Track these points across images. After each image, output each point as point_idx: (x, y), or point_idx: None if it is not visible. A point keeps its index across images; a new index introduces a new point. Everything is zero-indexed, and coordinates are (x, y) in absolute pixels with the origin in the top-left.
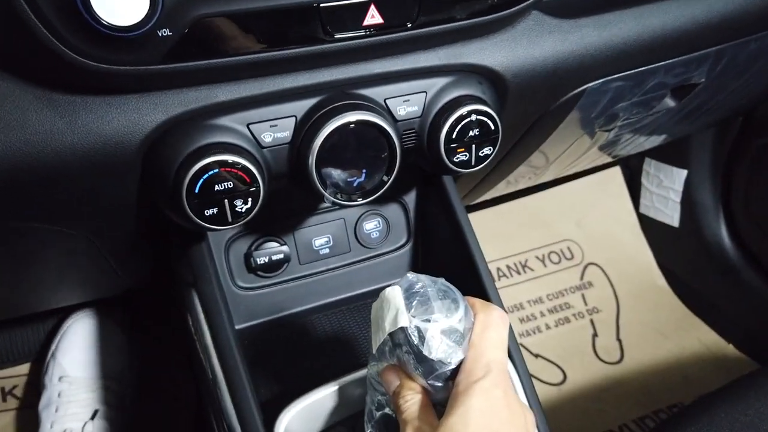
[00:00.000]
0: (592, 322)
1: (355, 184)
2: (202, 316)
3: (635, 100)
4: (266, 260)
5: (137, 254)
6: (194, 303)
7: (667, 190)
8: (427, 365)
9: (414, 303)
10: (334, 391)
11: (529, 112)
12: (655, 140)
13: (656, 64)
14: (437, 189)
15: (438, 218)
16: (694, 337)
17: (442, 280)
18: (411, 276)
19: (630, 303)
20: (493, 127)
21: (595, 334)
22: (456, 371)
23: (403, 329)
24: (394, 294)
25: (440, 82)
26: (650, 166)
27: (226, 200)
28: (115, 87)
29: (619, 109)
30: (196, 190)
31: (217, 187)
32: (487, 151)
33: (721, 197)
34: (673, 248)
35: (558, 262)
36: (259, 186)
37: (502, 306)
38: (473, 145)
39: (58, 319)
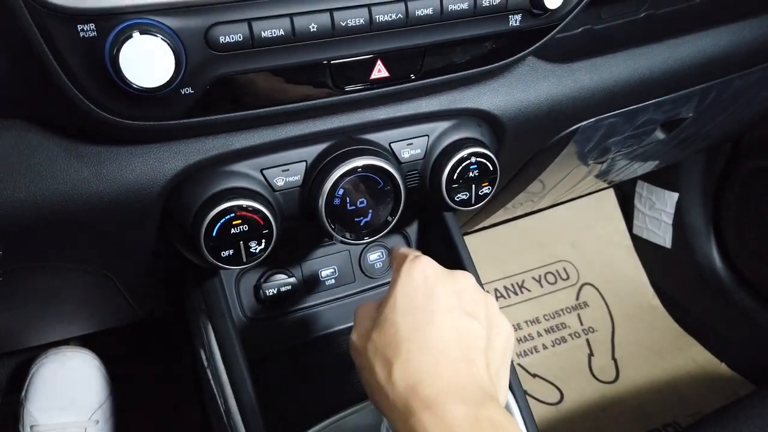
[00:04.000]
0: (587, 341)
1: (362, 224)
2: (215, 347)
3: (627, 134)
4: (275, 291)
5: (152, 288)
6: (207, 333)
7: (659, 212)
8: None
9: None
10: (346, 420)
11: (525, 149)
12: (648, 167)
13: (645, 103)
14: (438, 222)
15: (438, 249)
16: (688, 356)
17: None
18: None
19: (625, 323)
20: (491, 168)
21: (591, 354)
22: None
23: None
24: None
25: (442, 125)
26: (643, 189)
27: (241, 242)
28: (139, 138)
29: (611, 143)
30: (214, 234)
31: (233, 231)
32: (486, 190)
33: (711, 219)
34: (666, 269)
35: (554, 282)
36: (272, 228)
37: None
38: (473, 185)
39: (26, 358)
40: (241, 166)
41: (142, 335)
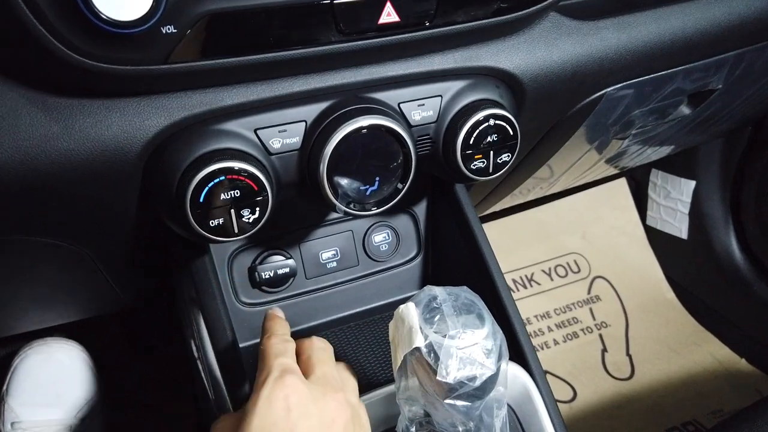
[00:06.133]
0: (601, 336)
1: (368, 193)
2: (205, 334)
3: (652, 106)
4: (271, 275)
5: (136, 270)
6: (197, 320)
7: (674, 202)
8: (446, 385)
9: (431, 319)
10: None
11: (545, 118)
12: (663, 151)
13: (675, 69)
14: (449, 198)
15: (450, 229)
16: (706, 351)
17: (465, 293)
18: (428, 290)
19: (639, 317)
20: (511, 133)
21: (604, 350)
22: (486, 389)
23: (418, 349)
24: (409, 311)
25: (456, 85)
26: (657, 178)
27: (232, 210)
28: (115, 89)
29: (635, 116)
30: (201, 200)
31: (222, 196)
32: (505, 158)
33: (730, 208)
34: (681, 261)
35: (565, 275)
36: (268, 195)
37: (519, 319)
38: (491, 152)
39: (9, 351)
40: (233, 125)
41: (132, 327)
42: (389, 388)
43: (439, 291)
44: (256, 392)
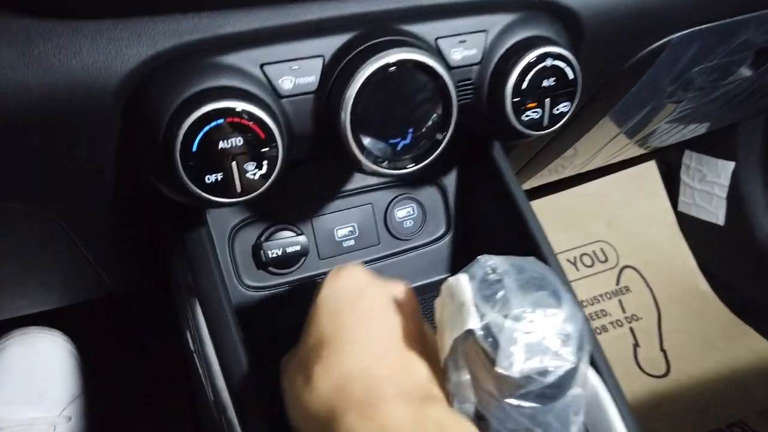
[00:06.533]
0: (632, 330)
1: (399, 148)
2: (202, 322)
3: (716, 62)
4: (279, 253)
5: (120, 246)
6: (192, 306)
7: (711, 185)
8: (508, 379)
9: (491, 296)
10: None
11: (602, 68)
12: (699, 129)
13: (748, 14)
14: (487, 166)
15: (486, 202)
16: (746, 346)
17: (533, 264)
18: (484, 260)
19: (672, 310)
20: (571, 77)
21: (636, 344)
22: (562, 387)
23: (471, 333)
24: (460, 284)
25: (504, 19)
26: (691, 160)
27: (234, 163)
28: (85, 9)
29: (696, 73)
30: (194, 148)
31: (221, 145)
32: (563, 107)
33: None
34: (717, 249)
35: (591, 265)
36: (277, 146)
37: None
38: (547, 100)
39: None
40: (234, 59)
41: (124, 324)
42: None
43: (499, 261)
44: (318, 286)
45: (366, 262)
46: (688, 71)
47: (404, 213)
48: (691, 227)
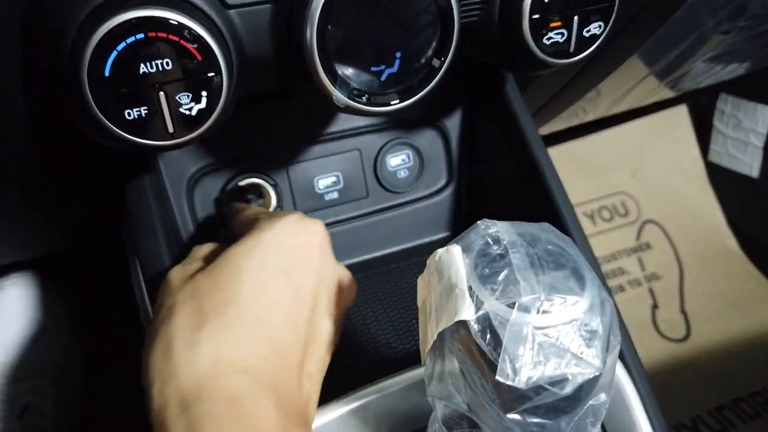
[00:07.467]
0: (651, 290)
1: (383, 78)
2: (146, 296)
3: None
4: None
5: (45, 192)
6: (136, 273)
7: (747, 133)
8: (513, 391)
9: (491, 276)
10: (367, 403)
11: None
12: (738, 69)
13: None
14: (497, 105)
15: (496, 148)
16: None
17: (547, 233)
18: (484, 225)
19: (695, 269)
20: None
21: (655, 306)
22: (581, 398)
23: (464, 326)
24: (451, 259)
25: None
26: (726, 104)
27: (161, 93)
28: None
29: None
30: (107, 71)
31: (143, 69)
32: (595, 28)
33: None
34: (749, 204)
35: (610, 219)
36: (221, 72)
37: (609, 295)
38: (575, 18)
39: None
40: None
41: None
42: (415, 374)
43: (503, 228)
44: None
45: (352, 219)
46: None
47: (398, 161)
48: (721, 179)
